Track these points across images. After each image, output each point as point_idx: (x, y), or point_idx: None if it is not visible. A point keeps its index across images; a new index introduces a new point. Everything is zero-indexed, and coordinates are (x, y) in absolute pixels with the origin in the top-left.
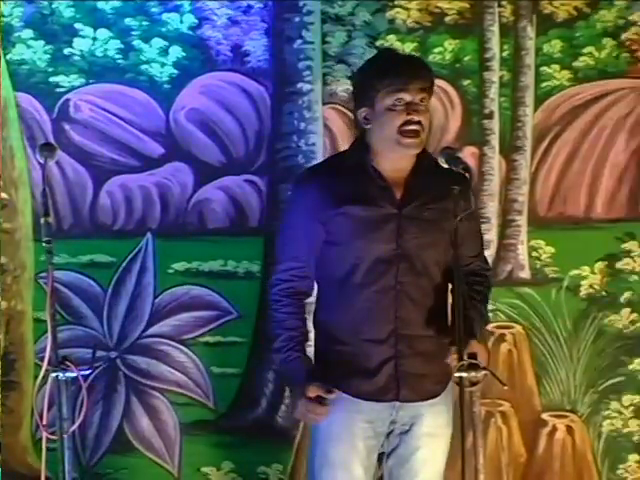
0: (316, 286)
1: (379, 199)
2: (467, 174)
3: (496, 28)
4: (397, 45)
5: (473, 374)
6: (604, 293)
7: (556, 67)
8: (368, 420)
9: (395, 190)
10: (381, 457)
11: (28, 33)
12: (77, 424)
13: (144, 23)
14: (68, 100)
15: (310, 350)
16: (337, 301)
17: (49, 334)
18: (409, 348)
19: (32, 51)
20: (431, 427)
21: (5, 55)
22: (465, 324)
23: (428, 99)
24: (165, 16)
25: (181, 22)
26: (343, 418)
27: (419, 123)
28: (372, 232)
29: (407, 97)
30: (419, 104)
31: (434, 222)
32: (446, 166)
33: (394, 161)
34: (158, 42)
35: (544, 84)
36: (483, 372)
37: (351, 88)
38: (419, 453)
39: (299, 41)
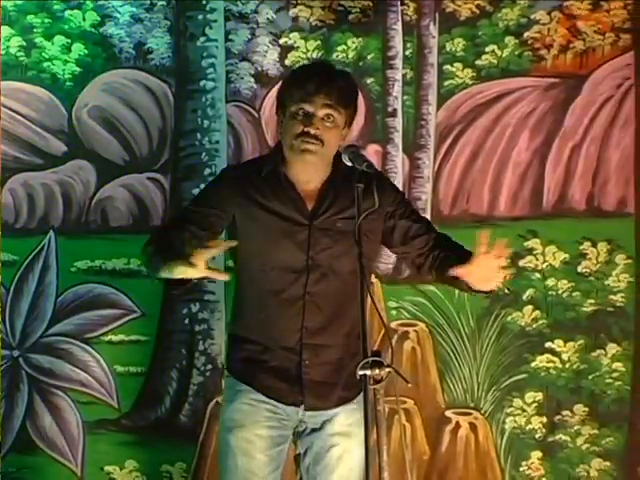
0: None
1: (289, 210)
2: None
3: (399, 26)
4: (300, 43)
5: (377, 372)
6: (507, 291)
7: (459, 65)
8: (272, 410)
9: (307, 201)
10: (298, 458)
11: None
12: None
13: (46, 20)
14: None
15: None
16: (250, 301)
17: None
18: (316, 357)
19: None
20: (344, 426)
21: None
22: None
23: (338, 117)
24: (68, 13)
25: (84, 19)
26: (246, 406)
27: (318, 137)
28: (280, 242)
29: (309, 109)
30: (323, 119)
31: (348, 232)
32: (350, 163)
33: (303, 172)
34: (60, 39)
35: (447, 82)
36: (387, 370)
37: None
38: (334, 450)
39: (202, 39)
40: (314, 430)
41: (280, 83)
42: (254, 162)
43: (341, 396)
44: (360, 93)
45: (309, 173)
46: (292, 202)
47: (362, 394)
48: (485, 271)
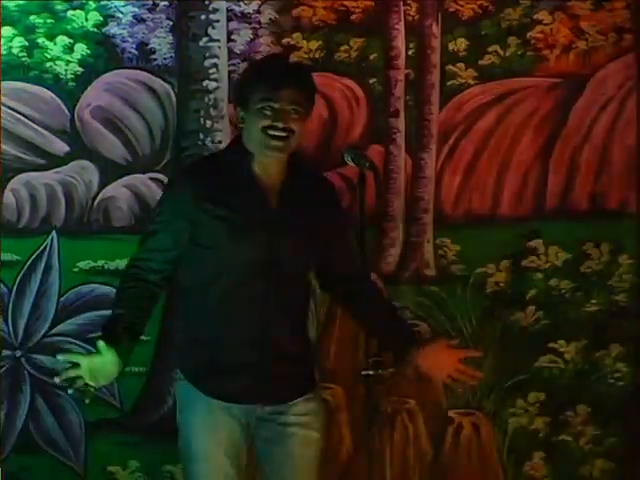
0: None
1: (251, 204)
2: (373, 172)
3: (402, 26)
4: (302, 43)
5: (380, 372)
6: (509, 291)
7: (461, 65)
8: (231, 414)
9: (269, 195)
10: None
11: None
12: None
13: (49, 21)
14: None
15: None
16: (203, 303)
17: None
18: (274, 352)
19: None
20: (299, 416)
21: None
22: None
23: (305, 108)
24: (70, 13)
25: (86, 20)
26: (205, 411)
27: (285, 129)
28: (242, 237)
29: (275, 104)
30: (289, 112)
31: (305, 228)
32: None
33: (266, 165)
34: (63, 40)
35: (449, 82)
36: (390, 370)
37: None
38: (291, 441)
39: (205, 39)
40: (269, 421)
41: (240, 80)
42: (211, 158)
43: (296, 391)
44: (363, 93)
45: (274, 167)
46: (255, 198)
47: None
48: (444, 361)
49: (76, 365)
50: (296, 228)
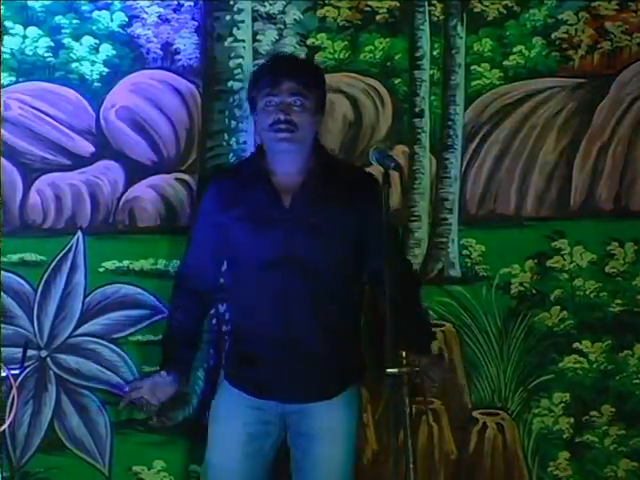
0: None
1: (266, 204)
2: (398, 172)
3: (426, 27)
4: (327, 44)
5: (404, 372)
6: (534, 291)
7: (486, 66)
8: (254, 406)
9: (284, 195)
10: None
11: None
12: (7, 423)
13: (74, 21)
14: None
15: None
16: (239, 301)
17: None
18: (296, 351)
19: None
20: (324, 422)
21: None
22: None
23: (308, 100)
24: (95, 14)
25: (111, 20)
26: (229, 402)
27: (290, 122)
28: (259, 237)
29: (275, 98)
30: (291, 104)
31: (326, 227)
32: (377, 164)
33: (282, 163)
34: (88, 40)
35: (474, 83)
36: (414, 369)
37: None
38: (317, 448)
39: (230, 39)
40: (298, 426)
41: (247, 87)
42: (238, 165)
43: (320, 391)
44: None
45: (288, 164)
46: (268, 197)
47: (345, 391)
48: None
49: (139, 387)
50: (312, 226)
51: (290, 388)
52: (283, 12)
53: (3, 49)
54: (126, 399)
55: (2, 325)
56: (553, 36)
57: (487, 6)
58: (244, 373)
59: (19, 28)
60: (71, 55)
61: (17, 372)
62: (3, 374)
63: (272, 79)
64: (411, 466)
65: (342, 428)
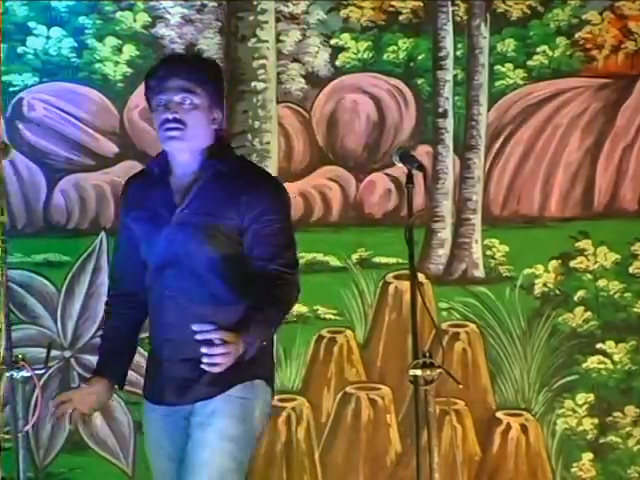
0: None
1: (159, 204)
2: (422, 172)
3: (450, 27)
4: (351, 44)
5: (427, 372)
6: (558, 292)
7: (510, 66)
8: (164, 414)
9: (178, 195)
10: None
11: None
12: (31, 423)
13: (98, 22)
14: (22, 99)
15: None
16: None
17: (3, 333)
18: (176, 353)
19: None
20: (202, 416)
21: None
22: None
23: (198, 97)
24: (119, 15)
25: (135, 21)
26: (147, 418)
27: (178, 121)
28: (151, 238)
29: (164, 97)
30: (180, 103)
31: (209, 229)
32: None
33: (177, 163)
34: (112, 41)
35: (498, 83)
36: (437, 370)
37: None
38: (193, 438)
39: (253, 40)
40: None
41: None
42: (150, 165)
43: (199, 393)
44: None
45: (183, 163)
46: (163, 197)
47: (238, 387)
48: None
49: (69, 400)
50: (194, 226)
51: (169, 392)
52: (306, 12)
53: (26, 49)
54: (56, 412)
55: (26, 325)
56: (577, 36)
57: (510, 6)
58: (147, 382)
59: (43, 29)
60: (94, 56)
61: (41, 372)
62: (27, 374)
63: (160, 78)
64: (435, 467)
65: (216, 420)
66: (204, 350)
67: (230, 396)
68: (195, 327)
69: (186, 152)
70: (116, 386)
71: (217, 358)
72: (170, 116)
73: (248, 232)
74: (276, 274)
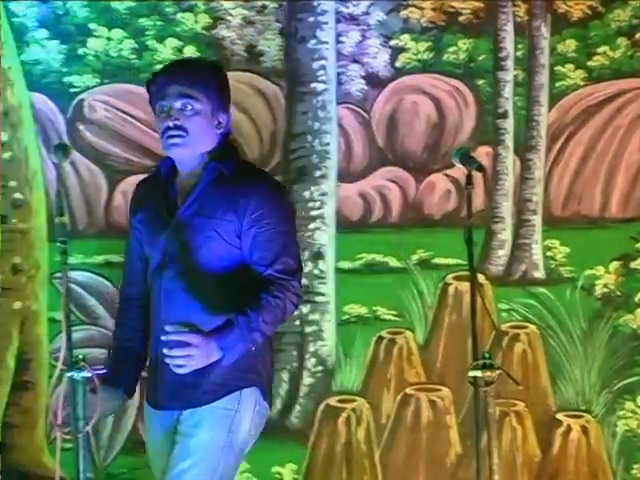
0: None
1: (163, 205)
2: (482, 173)
3: (510, 27)
4: (411, 45)
5: (487, 374)
6: (619, 293)
7: (570, 66)
8: (160, 417)
9: (180, 197)
10: None
11: (42, 33)
12: (91, 424)
13: (158, 23)
14: (82, 100)
15: None
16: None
17: (64, 334)
18: (156, 359)
19: (46, 51)
20: (186, 427)
21: (19, 55)
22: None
23: (199, 102)
24: (180, 16)
25: (196, 22)
26: (146, 419)
27: (179, 128)
28: (153, 239)
29: (166, 103)
30: (181, 109)
31: (208, 230)
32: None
33: (183, 166)
34: (172, 42)
35: (558, 83)
36: (497, 372)
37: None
38: (176, 449)
39: (313, 41)
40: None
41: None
42: (160, 165)
43: (192, 398)
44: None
45: (186, 166)
46: (166, 199)
47: (224, 399)
48: None
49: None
50: (196, 230)
51: (163, 395)
52: (367, 13)
53: (87, 51)
54: (60, 420)
55: (87, 326)
56: (638, 36)
57: (571, 7)
58: (147, 384)
59: (103, 30)
60: (155, 57)
61: (101, 372)
62: (88, 375)
63: (161, 84)
64: (494, 468)
65: (198, 431)
66: (165, 351)
67: (215, 408)
68: (167, 328)
69: (187, 157)
70: (125, 395)
71: (178, 360)
72: (171, 123)
73: (247, 236)
74: (270, 280)
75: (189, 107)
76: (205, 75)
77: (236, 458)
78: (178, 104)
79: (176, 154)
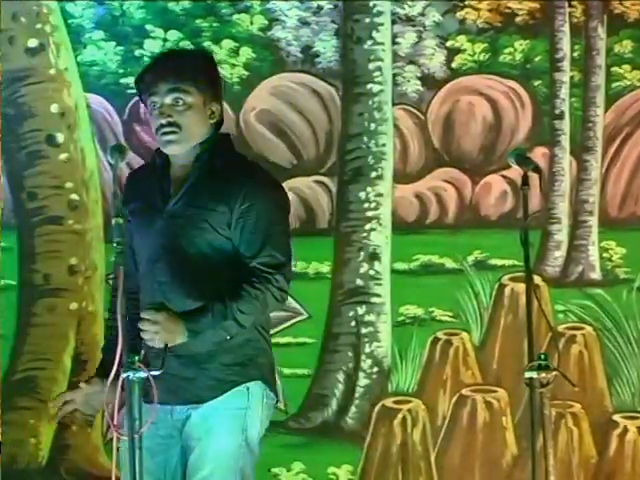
0: None
1: (155, 196)
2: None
3: (567, 28)
4: (467, 46)
5: (543, 375)
6: None
7: (627, 67)
8: (155, 421)
9: (173, 187)
10: None
11: (99, 34)
12: (148, 424)
13: (214, 24)
14: (139, 101)
15: None
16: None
17: (120, 335)
18: (169, 350)
19: (103, 52)
20: (199, 431)
21: (76, 56)
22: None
23: (190, 96)
24: (235, 17)
25: (251, 23)
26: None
27: (173, 124)
28: (145, 231)
29: (157, 99)
30: (172, 105)
31: (200, 221)
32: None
33: (176, 157)
34: (228, 43)
35: (615, 84)
36: (553, 373)
37: None
38: (192, 455)
39: (369, 42)
40: (181, 431)
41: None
42: (154, 155)
43: (193, 394)
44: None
45: (179, 157)
46: (160, 189)
47: (225, 395)
48: None
49: (71, 401)
50: (189, 221)
51: (172, 391)
52: (422, 14)
53: (144, 52)
54: (60, 414)
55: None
56: None
57: (628, 7)
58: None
59: (160, 31)
60: None
61: (157, 373)
62: (143, 375)
63: (149, 80)
64: (550, 470)
65: (211, 437)
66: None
67: (226, 410)
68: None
69: (185, 150)
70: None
71: (145, 334)
72: (164, 121)
73: (237, 227)
74: (253, 271)
75: (180, 102)
76: (193, 66)
77: (253, 456)
78: (169, 100)
79: (172, 150)
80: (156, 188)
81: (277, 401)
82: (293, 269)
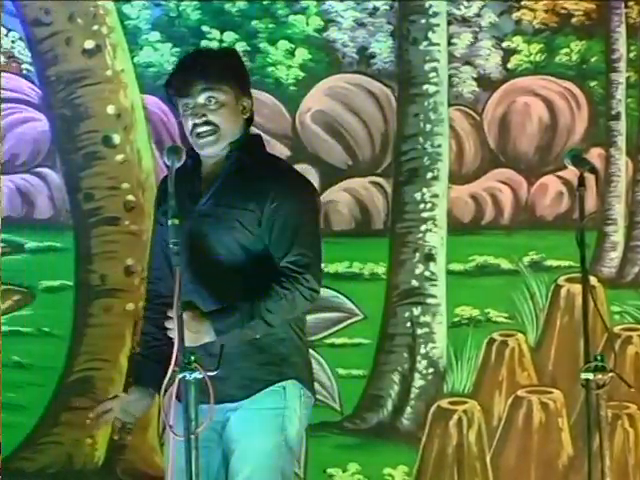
0: None
1: (187, 196)
2: (594, 175)
3: (623, 29)
4: (523, 46)
5: (599, 376)
6: None
7: None
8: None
9: (203, 186)
10: None
11: (155, 36)
12: (205, 425)
13: (270, 25)
14: None
15: None
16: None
17: (176, 335)
18: (202, 350)
19: (159, 54)
20: (238, 434)
21: (132, 58)
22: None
23: (222, 94)
24: (291, 18)
25: (307, 24)
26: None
27: (208, 123)
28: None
29: (189, 101)
30: (206, 105)
31: (230, 220)
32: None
33: (207, 156)
34: (284, 44)
35: None
36: (609, 374)
37: None
38: (233, 457)
39: (425, 43)
40: (220, 434)
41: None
42: (188, 153)
43: (226, 394)
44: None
45: (210, 156)
46: (191, 189)
47: (262, 395)
48: None
49: (110, 410)
50: (218, 220)
51: (201, 390)
52: (478, 15)
53: None
54: (99, 423)
55: None
56: None
57: None
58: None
59: (216, 32)
60: (267, 59)
61: (213, 374)
62: (199, 376)
63: (179, 83)
64: (606, 471)
65: (252, 439)
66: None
67: (264, 410)
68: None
69: (219, 146)
70: (155, 393)
71: (170, 333)
72: (199, 120)
73: (267, 226)
74: (283, 271)
75: (213, 100)
76: (221, 64)
77: (293, 455)
78: (202, 100)
79: (209, 151)
80: (187, 188)
81: (315, 399)
82: (349, 270)
